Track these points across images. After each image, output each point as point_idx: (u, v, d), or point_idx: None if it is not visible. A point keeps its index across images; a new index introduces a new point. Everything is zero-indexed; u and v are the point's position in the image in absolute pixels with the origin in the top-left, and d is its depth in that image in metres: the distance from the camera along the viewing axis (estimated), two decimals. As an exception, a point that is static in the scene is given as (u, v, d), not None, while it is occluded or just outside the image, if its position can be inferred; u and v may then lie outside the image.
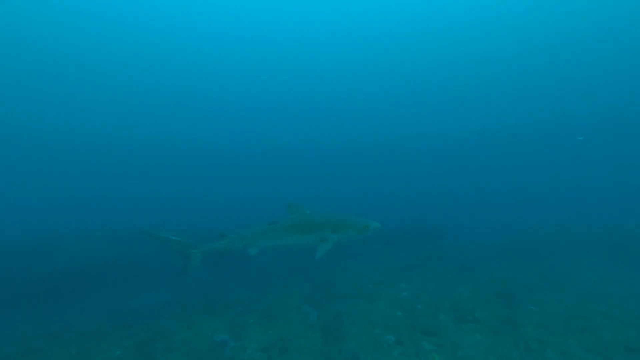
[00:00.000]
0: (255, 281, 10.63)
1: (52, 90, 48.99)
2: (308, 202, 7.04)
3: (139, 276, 11.43)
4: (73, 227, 16.61)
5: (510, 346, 5.32)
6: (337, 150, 56.65)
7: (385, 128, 56.41)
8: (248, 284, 10.39)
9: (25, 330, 8.60)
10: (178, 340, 6.54)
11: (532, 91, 46.58)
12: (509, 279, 8.17)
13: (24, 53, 42.54)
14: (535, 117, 48.40)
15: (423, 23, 43.74)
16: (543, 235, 11.93)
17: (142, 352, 6.19)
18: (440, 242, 13.94)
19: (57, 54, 44.56)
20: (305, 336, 6.69)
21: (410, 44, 47.28)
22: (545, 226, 12.93)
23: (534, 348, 5.16)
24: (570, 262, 9.01)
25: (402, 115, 55.28)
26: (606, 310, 6.26)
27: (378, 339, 6.18)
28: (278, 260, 13.50)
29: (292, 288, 9.79)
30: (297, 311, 7.87)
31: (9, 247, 12.10)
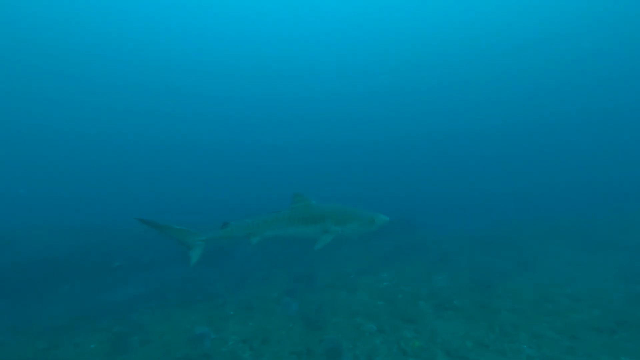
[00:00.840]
0: (234, 273, 10.44)
1: (30, 84, 45.96)
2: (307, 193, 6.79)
3: (112, 270, 10.94)
4: (44, 219, 15.71)
5: (486, 331, 5.49)
6: (319, 145, 56.72)
7: (368, 125, 57.01)
8: (227, 276, 10.19)
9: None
10: (155, 333, 6.31)
11: (510, 88, 48.36)
12: (484, 266, 8.45)
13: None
14: (512, 115, 50.37)
15: (417, 22, 44.17)
16: (515, 225, 12.45)
17: (118, 346, 5.93)
18: (419, 233, 14.23)
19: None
20: (286, 327, 6.63)
21: (397, 45, 47.78)
22: (518, 217, 13.50)
23: (508, 332, 5.35)
24: (540, 250, 9.45)
25: (385, 112, 56.00)
26: (572, 293, 6.60)
27: (359, 328, 6.21)
28: (258, 252, 13.33)
29: (273, 279, 9.69)
30: (277, 302, 7.79)
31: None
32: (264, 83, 56.06)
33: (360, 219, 6.05)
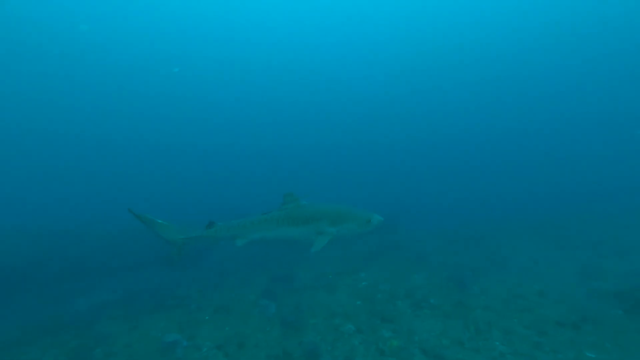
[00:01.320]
0: (209, 277, 10.13)
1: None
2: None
3: (72, 278, 10.24)
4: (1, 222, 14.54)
5: (462, 329, 5.60)
6: (300, 147, 56.75)
7: (350, 126, 57.52)
8: (201, 280, 9.88)
9: None
10: (120, 344, 5.98)
11: (488, 91, 50.21)
12: (459, 264, 8.68)
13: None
14: (490, 117, 52.28)
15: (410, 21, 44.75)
16: (489, 224, 12.91)
17: (78, 360, 5.57)
18: (398, 233, 14.43)
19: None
20: (264, 330, 6.50)
21: (379, 45, 48.34)
22: (491, 216, 14.02)
23: (482, 329, 5.48)
24: (510, 247, 9.84)
25: (367, 114, 56.67)
26: (540, 289, 6.89)
27: (338, 329, 6.18)
28: (234, 254, 13.03)
29: (250, 281, 9.50)
30: (254, 305, 7.63)
31: None
32: (252, 85, 55.41)
33: (356, 219, 5.77)
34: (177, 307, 7.50)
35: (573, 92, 47.57)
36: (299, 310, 7.15)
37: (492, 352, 4.85)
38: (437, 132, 54.70)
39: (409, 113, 55.55)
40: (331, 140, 56.60)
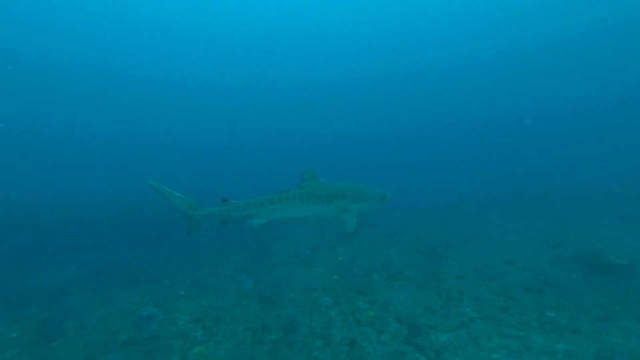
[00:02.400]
0: (184, 253, 9.90)
1: None
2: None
3: (37, 253, 9.67)
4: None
5: (434, 298, 5.84)
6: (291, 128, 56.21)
7: (332, 105, 57.41)
8: (177, 256, 9.63)
9: None
10: (93, 318, 5.77)
11: (461, 71, 51.34)
12: (433, 238, 8.99)
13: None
14: (455, 98, 53.61)
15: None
16: (460, 201, 13.41)
17: (46, 333, 5.31)
18: (372, 210, 14.63)
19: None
20: (241, 305, 6.47)
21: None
22: (462, 193, 14.55)
23: (454, 297, 5.75)
24: (481, 221, 10.31)
25: (350, 95, 56.67)
26: (508, 258, 7.29)
27: (316, 302, 6.26)
28: (211, 232, 12.77)
29: (227, 258, 9.38)
30: (231, 280, 7.57)
31: None
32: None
33: (375, 196, 5.74)
34: (151, 282, 7.30)
35: (535, 76, 49.57)
36: (277, 285, 7.17)
37: (463, 317, 5.10)
38: (410, 114, 55.63)
39: (390, 94, 56.09)
40: (319, 120, 56.45)
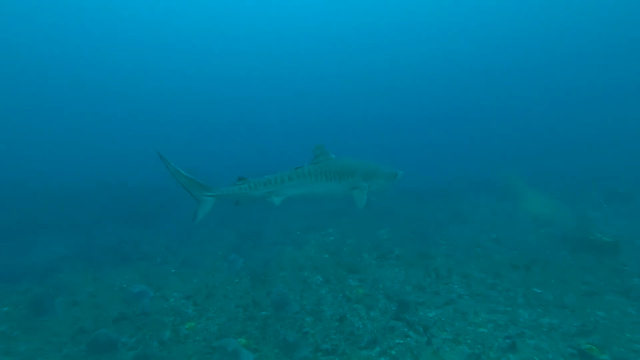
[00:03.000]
0: (174, 232, 9.84)
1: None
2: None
3: (27, 231, 9.52)
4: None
5: (423, 275, 5.92)
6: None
7: (323, 83, 56.94)
8: (167, 235, 9.58)
9: None
10: (84, 294, 5.74)
11: (452, 53, 51.03)
12: (423, 218, 9.07)
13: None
14: (449, 86, 53.50)
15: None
16: (450, 181, 13.52)
17: (38, 308, 5.27)
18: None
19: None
20: (232, 282, 6.48)
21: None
22: (453, 175, 14.67)
23: (443, 275, 5.83)
24: (471, 202, 10.44)
25: (343, 74, 56.22)
26: (496, 237, 7.43)
27: (307, 280, 6.30)
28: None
29: (218, 238, 9.36)
30: (223, 259, 7.56)
31: None
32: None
33: (385, 174, 5.71)
34: (142, 261, 7.28)
35: (523, 67, 49.79)
36: (268, 264, 7.19)
37: (451, 294, 5.19)
38: (405, 100, 55.45)
39: (383, 76, 55.82)
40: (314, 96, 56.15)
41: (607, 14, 40.64)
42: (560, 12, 42.04)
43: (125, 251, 7.95)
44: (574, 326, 4.01)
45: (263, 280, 6.51)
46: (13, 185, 11.68)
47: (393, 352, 4.01)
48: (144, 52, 52.16)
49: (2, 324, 4.96)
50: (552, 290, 4.90)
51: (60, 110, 51.55)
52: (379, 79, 55.89)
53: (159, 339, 4.41)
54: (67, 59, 48.49)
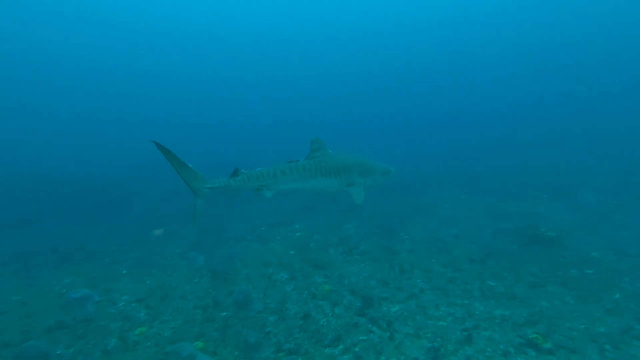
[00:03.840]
0: (128, 229, 9.17)
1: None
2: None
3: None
4: None
5: (388, 271, 5.99)
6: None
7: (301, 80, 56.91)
8: (119, 232, 8.89)
9: None
10: (14, 302, 5.13)
11: (426, 55, 52.93)
12: (388, 213, 9.21)
13: None
14: (413, 81, 55.18)
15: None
16: (415, 177, 13.89)
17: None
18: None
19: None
20: (191, 282, 6.15)
21: None
22: (417, 170, 15.10)
23: (406, 270, 5.94)
24: (434, 197, 10.78)
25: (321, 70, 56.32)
26: (457, 232, 7.71)
27: (271, 277, 6.14)
28: (157, 206, 11.96)
29: (177, 234, 8.85)
30: (181, 257, 7.16)
31: None
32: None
33: (380, 170, 5.74)
34: (87, 261, 6.67)
35: (485, 70, 52.80)
36: (231, 261, 6.91)
37: (414, 288, 5.29)
38: (371, 93, 56.34)
39: (359, 72, 56.66)
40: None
41: (544, 19, 44.05)
42: (508, 15, 44.99)
43: (67, 251, 7.22)
44: (522, 317, 4.23)
45: (225, 278, 6.25)
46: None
47: (356, 349, 3.99)
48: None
49: None
50: (504, 282, 5.16)
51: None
52: (356, 77, 56.84)
53: (102, 348, 4.03)
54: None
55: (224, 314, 5.07)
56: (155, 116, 51.43)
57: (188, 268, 6.63)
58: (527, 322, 4.07)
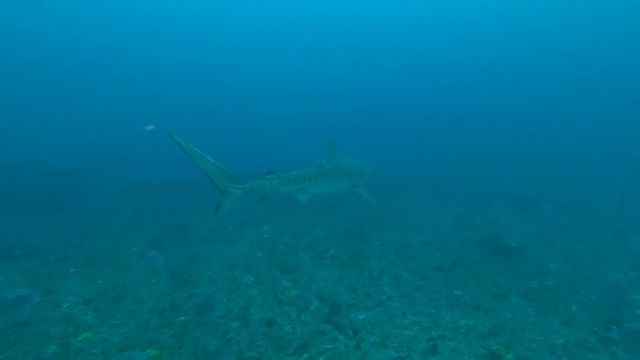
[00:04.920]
0: (80, 224, 8.44)
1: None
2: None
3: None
4: None
5: (357, 276, 5.91)
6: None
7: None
8: (68, 226, 8.15)
9: None
10: None
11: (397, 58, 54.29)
12: (358, 218, 9.18)
13: None
14: (383, 90, 56.53)
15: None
16: (385, 183, 14.04)
17: None
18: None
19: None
20: (148, 283, 5.71)
21: None
22: (387, 176, 15.29)
23: (375, 276, 5.89)
24: (403, 203, 10.90)
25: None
26: (424, 240, 7.82)
27: (236, 280, 5.85)
28: (115, 200, 11.16)
29: (135, 231, 8.27)
30: (139, 256, 6.66)
31: None
32: None
33: (370, 173, 6.53)
34: (29, 258, 6.01)
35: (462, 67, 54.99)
36: (193, 262, 6.53)
37: (382, 295, 5.24)
38: (345, 98, 56.99)
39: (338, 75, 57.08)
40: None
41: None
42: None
43: (4, 245, 6.45)
44: (486, 327, 4.30)
45: (186, 280, 5.87)
46: None
47: (321, 358, 3.84)
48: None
49: None
50: (470, 292, 5.25)
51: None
52: (341, 80, 57.14)
53: (37, 356, 3.58)
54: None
55: (182, 318, 4.73)
56: (129, 99, 49.04)
57: (146, 268, 6.17)
58: (490, 333, 4.13)
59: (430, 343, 4.01)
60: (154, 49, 55.21)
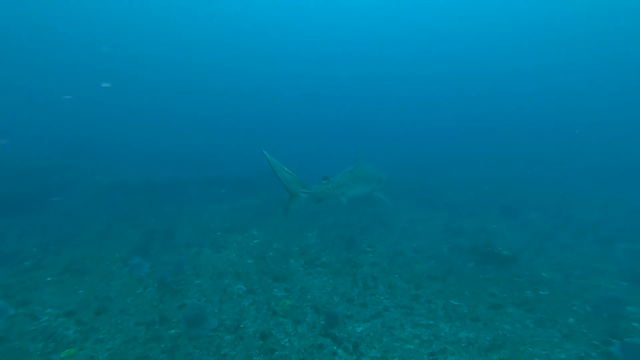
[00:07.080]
0: (56, 227, 7.93)
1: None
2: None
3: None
4: None
5: (351, 285, 5.82)
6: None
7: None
8: (44, 230, 7.64)
9: None
10: None
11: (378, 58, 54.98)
12: (349, 223, 9.10)
13: None
14: (369, 91, 57.11)
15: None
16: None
17: None
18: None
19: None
20: (134, 293, 5.42)
21: None
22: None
23: (369, 285, 5.81)
24: (392, 208, 10.83)
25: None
26: (416, 246, 7.81)
27: (227, 290, 5.64)
28: (94, 200, 10.59)
29: (116, 236, 7.87)
30: (122, 263, 6.32)
31: None
32: None
33: (384, 179, 7.44)
34: (1, 266, 5.53)
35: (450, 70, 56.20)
36: (180, 269, 6.26)
37: (378, 306, 5.17)
38: (329, 101, 57.14)
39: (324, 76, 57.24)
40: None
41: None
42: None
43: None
44: (487, 340, 4.29)
45: (174, 289, 5.61)
46: None
47: (322, 375, 3.72)
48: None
49: None
50: (466, 301, 5.25)
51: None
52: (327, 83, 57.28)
53: (16, 379, 3.28)
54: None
55: (173, 331, 4.50)
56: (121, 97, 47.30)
57: (130, 276, 5.85)
58: (491, 347, 4.12)
59: (432, 358, 3.96)
60: (146, 46, 54.42)
